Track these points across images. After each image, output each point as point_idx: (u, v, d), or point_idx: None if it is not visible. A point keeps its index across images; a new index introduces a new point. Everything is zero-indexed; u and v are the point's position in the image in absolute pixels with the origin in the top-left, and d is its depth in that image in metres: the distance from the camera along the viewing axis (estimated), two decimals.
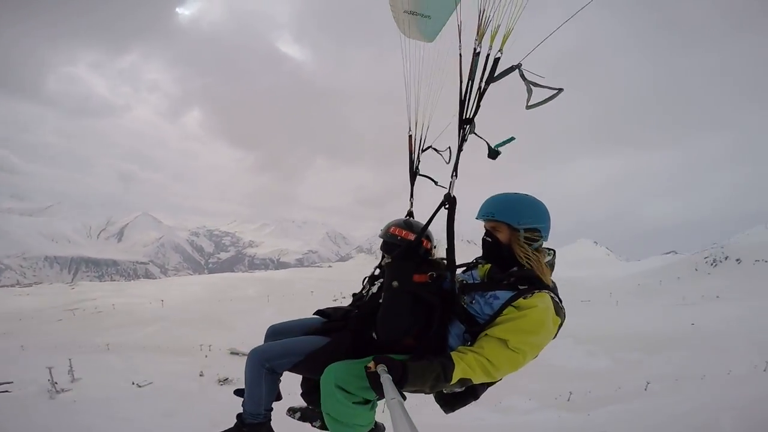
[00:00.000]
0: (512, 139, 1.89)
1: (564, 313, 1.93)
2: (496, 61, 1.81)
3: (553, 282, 2.00)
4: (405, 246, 2.29)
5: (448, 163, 2.52)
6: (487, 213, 2.08)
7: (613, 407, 16.79)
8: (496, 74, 1.81)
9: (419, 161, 2.85)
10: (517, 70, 1.77)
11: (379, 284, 2.37)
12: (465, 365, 1.78)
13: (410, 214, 2.87)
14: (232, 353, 46.33)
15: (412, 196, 2.93)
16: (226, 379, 33.64)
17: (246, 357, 2.34)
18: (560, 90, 1.69)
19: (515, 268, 1.98)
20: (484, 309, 1.94)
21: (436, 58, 2.48)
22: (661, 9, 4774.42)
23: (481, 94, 1.87)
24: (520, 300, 1.83)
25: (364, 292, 2.64)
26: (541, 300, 1.84)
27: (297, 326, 2.55)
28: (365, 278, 2.82)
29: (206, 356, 45.45)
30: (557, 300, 1.91)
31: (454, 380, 1.79)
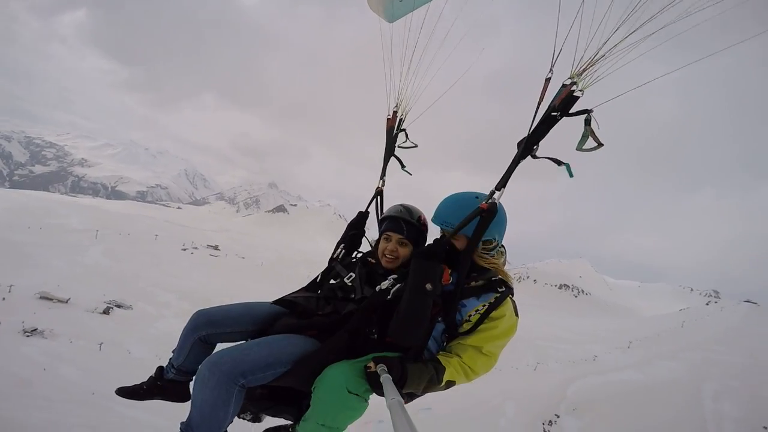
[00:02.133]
0: (569, 170, 1.85)
1: (518, 312, 2.12)
2: (574, 99, 1.78)
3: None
4: (442, 244, 2.02)
5: (415, 146, 2.79)
6: (444, 222, 2.13)
7: None
8: (571, 111, 1.78)
9: (395, 143, 2.81)
10: (585, 115, 1.78)
11: (392, 280, 2.05)
12: (452, 369, 1.91)
13: (380, 193, 2.80)
14: (42, 298, 38.84)
15: (384, 175, 2.83)
16: (35, 329, 28.87)
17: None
18: (602, 145, 1.76)
19: (474, 273, 2.06)
20: (456, 315, 2.04)
21: (431, 45, 2.40)
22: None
23: (551, 124, 1.83)
24: (493, 312, 1.97)
25: (348, 281, 2.31)
26: (507, 308, 2.02)
27: (243, 316, 2.20)
28: (339, 255, 2.67)
29: (3, 299, 37.25)
30: (514, 302, 2.10)
31: (443, 382, 1.91)
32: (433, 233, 2.35)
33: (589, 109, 1.76)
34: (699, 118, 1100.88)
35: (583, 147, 1.79)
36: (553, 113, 1.80)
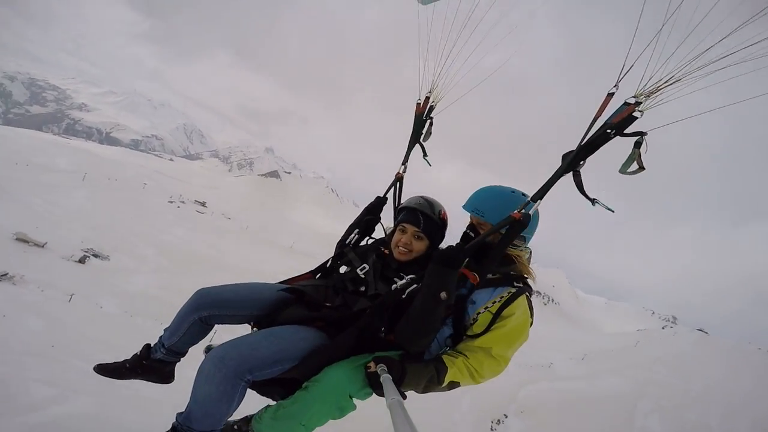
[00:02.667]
0: (610, 209, 1.75)
1: (533, 313, 1.99)
2: (633, 119, 1.67)
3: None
4: (464, 251, 1.86)
5: (425, 141, 2.70)
6: (476, 210, 2.06)
7: None
8: (626, 131, 1.68)
9: (423, 129, 2.71)
10: (637, 137, 1.67)
11: (409, 280, 1.98)
12: (456, 369, 1.85)
13: (400, 179, 2.70)
14: (18, 240, 36.92)
15: (406, 160, 2.73)
16: (5, 274, 27.31)
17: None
18: (644, 169, 1.68)
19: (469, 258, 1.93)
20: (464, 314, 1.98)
21: (473, 35, 2.29)
22: None
23: (603, 141, 1.71)
24: (505, 311, 1.89)
25: (361, 273, 2.23)
26: (520, 305, 1.91)
27: (250, 300, 2.13)
28: (351, 240, 2.55)
29: None
30: (531, 301, 1.98)
31: (445, 383, 1.86)
32: (452, 231, 2.33)
33: (643, 131, 1.68)
34: (696, 155, 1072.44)
35: (627, 170, 1.71)
36: (608, 130, 1.70)
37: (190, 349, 2.23)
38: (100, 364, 2.22)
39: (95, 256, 43.14)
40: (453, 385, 1.91)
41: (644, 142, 1.68)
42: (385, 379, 1.62)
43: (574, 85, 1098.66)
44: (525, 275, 2.06)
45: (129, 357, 2.24)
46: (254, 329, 2.15)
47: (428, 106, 2.70)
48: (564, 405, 42.84)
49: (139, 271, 45.76)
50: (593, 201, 1.76)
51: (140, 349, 2.25)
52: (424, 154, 2.75)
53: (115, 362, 2.24)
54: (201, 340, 2.19)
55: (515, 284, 1.96)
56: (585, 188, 1.76)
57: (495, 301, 1.93)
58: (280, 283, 2.38)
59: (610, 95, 1.74)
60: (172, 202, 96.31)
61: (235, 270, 58.33)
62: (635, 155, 1.68)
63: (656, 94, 1.66)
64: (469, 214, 2.14)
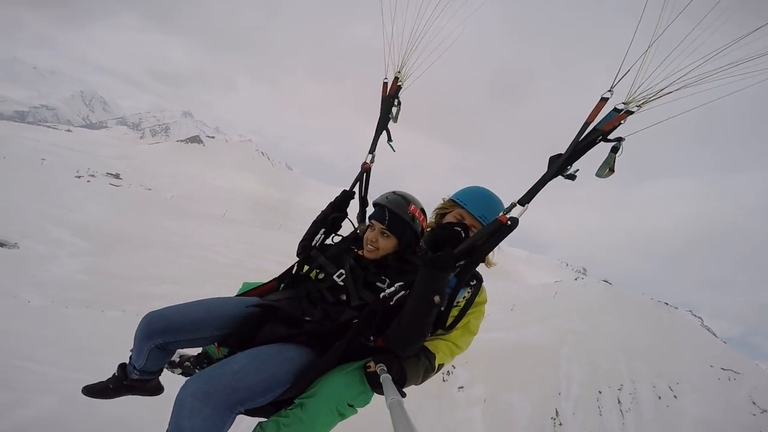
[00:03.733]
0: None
1: None
2: (619, 125, 1.66)
3: None
4: (455, 257, 1.85)
5: (396, 122, 2.56)
6: (482, 216, 2.16)
7: None
8: (610, 137, 1.66)
9: (391, 112, 2.56)
10: (614, 143, 1.67)
11: (398, 287, 1.92)
12: (442, 353, 1.96)
13: (367, 170, 2.58)
14: None
15: (374, 149, 2.58)
16: None
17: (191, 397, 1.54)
18: (614, 172, 1.68)
19: (462, 261, 1.98)
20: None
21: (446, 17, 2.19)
22: None
23: (591, 146, 1.70)
24: (476, 299, 2.07)
25: (339, 280, 2.08)
26: (485, 294, 2.17)
27: (207, 321, 1.92)
28: (318, 242, 2.38)
29: None
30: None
31: (436, 368, 1.96)
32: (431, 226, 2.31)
33: (622, 137, 1.66)
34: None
35: (603, 174, 1.71)
36: (596, 136, 1.69)
37: (162, 368, 2.18)
38: (87, 386, 2.18)
39: (1, 245, 37.43)
40: (440, 368, 2.00)
41: (621, 147, 1.68)
42: (385, 378, 1.63)
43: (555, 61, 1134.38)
44: (487, 265, 2.18)
45: (110, 376, 2.19)
46: (220, 349, 1.97)
47: (396, 87, 2.55)
48: (501, 353, 47.94)
49: (57, 257, 40.60)
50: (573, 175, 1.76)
51: (116, 369, 2.17)
52: (389, 139, 2.62)
53: (99, 382, 2.20)
54: (167, 361, 2.14)
55: (470, 284, 2.08)
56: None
57: (469, 292, 2.07)
58: (241, 295, 2.26)
59: (604, 100, 1.71)
60: (79, 176, 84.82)
61: (166, 245, 54.31)
62: (612, 159, 1.69)
63: (650, 102, 1.63)
64: (455, 203, 2.25)
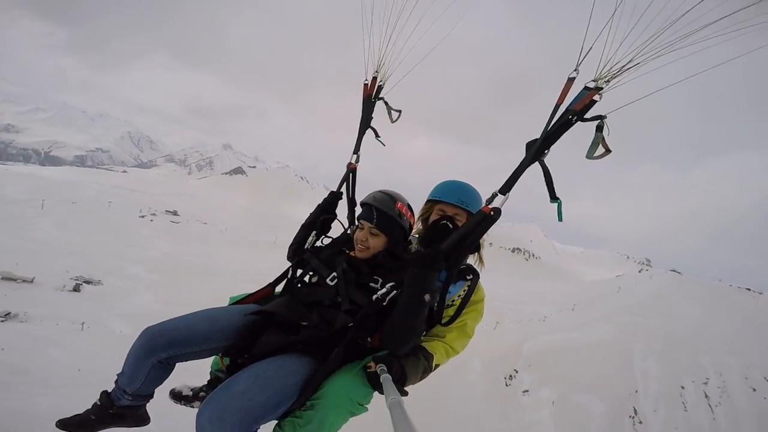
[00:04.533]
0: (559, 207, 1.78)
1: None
2: (593, 102, 1.65)
3: None
4: (442, 254, 1.87)
5: (393, 122, 2.56)
6: (460, 201, 2.14)
7: None
8: (586, 116, 1.66)
9: (372, 112, 2.60)
10: (598, 121, 1.67)
11: (389, 287, 1.93)
12: (439, 354, 1.97)
13: (353, 171, 2.61)
14: (4, 279, 36.58)
15: (358, 149, 2.61)
16: (8, 313, 27.21)
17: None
18: (611, 151, 1.68)
19: (453, 256, 2.01)
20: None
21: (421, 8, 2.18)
22: None
23: (566, 128, 1.70)
24: (472, 297, 2.04)
25: (331, 282, 2.12)
26: (482, 291, 2.13)
27: (211, 332, 1.94)
28: (310, 244, 2.42)
29: None
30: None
31: (434, 368, 1.98)
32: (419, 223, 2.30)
33: (603, 115, 1.68)
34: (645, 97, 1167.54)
35: (594, 155, 1.72)
36: (570, 117, 1.69)
37: (154, 391, 2.04)
38: (62, 419, 1.97)
39: (87, 282, 42.40)
40: (436, 367, 2.01)
41: (605, 125, 1.68)
42: (385, 378, 1.63)
43: (527, 45, 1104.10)
44: (471, 266, 2.16)
45: (90, 407, 2.03)
46: (223, 359, 1.98)
47: (376, 87, 2.57)
48: (566, 354, 46.20)
49: (136, 290, 45.20)
50: (557, 201, 1.77)
51: (99, 397, 2.03)
52: (376, 135, 2.64)
53: (76, 415, 2.00)
54: (165, 379, 2.01)
55: (467, 278, 2.06)
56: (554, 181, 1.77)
57: (464, 290, 2.04)
58: (238, 302, 2.26)
59: (571, 80, 1.70)
60: (143, 216, 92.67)
61: (228, 274, 57.77)
62: (599, 139, 1.68)
63: (617, 78, 1.64)
64: (431, 201, 2.22)
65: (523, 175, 1.80)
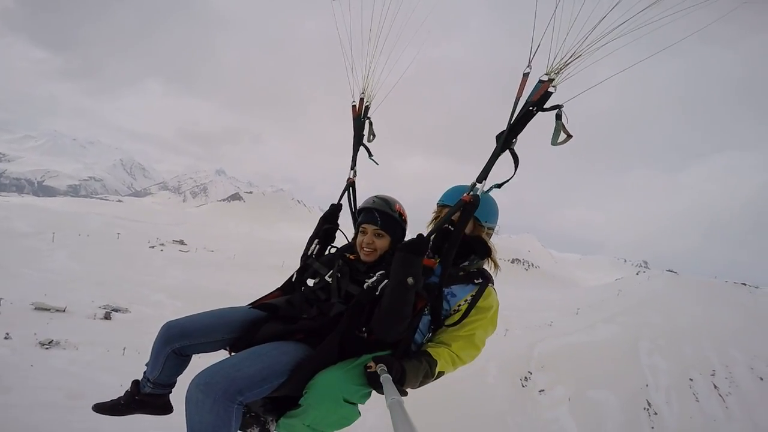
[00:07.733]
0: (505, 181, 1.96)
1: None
2: (549, 95, 1.79)
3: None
4: (425, 239, 1.92)
5: (369, 141, 2.70)
6: (442, 202, 2.25)
7: None
8: (545, 106, 1.80)
9: (363, 130, 2.69)
10: (556, 110, 1.81)
11: (379, 276, 2.00)
12: (443, 360, 1.96)
13: (352, 184, 2.71)
14: (38, 309, 37.49)
15: (354, 165, 2.73)
16: (51, 341, 27.88)
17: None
18: (572, 136, 1.80)
19: (466, 263, 2.14)
20: (443, 304, 2.08)
21: (398, 29, 2.29)
22: None
23: (528, 119, 1.83)
24: (480, 302, 2.03)
25: (329, 279, 2.21)
26: (493, 298, 2.11)
27: (219, 325, 2.09)
28: (313, 251, 2.56)
29: None
30: (495, 290, 2.16)
31: (436, 374, 1.97)
32: (414, 222, 2.41)
33: (560, 104, 1.80)
34: (631, 105, 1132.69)
35: (558, 141, 1.84)
36: (530, 108, 1.82)
37: (178, 379, 2.21)
38: (97, 404, 2.23)
39: (116, 310, 43.95)
40: (439, 375, 2.01)
41: (563, 114, 1.81)
42: (385, 378, 1.63)
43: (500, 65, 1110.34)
44: (484, 269, 2.23)
45: (122, 394, 2.26)
46: (231, 354, 2.09)
47: (363, 107, 2.70)
48: (576, 354, 48.38)
49: (163, 317, 44.33)
50: (513, 175, 1.93)
51: (129, 385, 2.25)
52: (369, 155, 2.74)
53: (111, 400, 2.25)
54: (184, 370, 2.16)
55: (476, 281, 2.11)
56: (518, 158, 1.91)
57: (472, 295, 2.06)
58: (250, 304, 2.38)
59: (526, 75, 1.85)
60: (153, 246, 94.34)
61: (245, 297, 58.08)
62: (560, 127, 1.82)
63: (564, 69, 1.77)
64: (441, 207, 2.30)
65: (495, 165, 1.93)
